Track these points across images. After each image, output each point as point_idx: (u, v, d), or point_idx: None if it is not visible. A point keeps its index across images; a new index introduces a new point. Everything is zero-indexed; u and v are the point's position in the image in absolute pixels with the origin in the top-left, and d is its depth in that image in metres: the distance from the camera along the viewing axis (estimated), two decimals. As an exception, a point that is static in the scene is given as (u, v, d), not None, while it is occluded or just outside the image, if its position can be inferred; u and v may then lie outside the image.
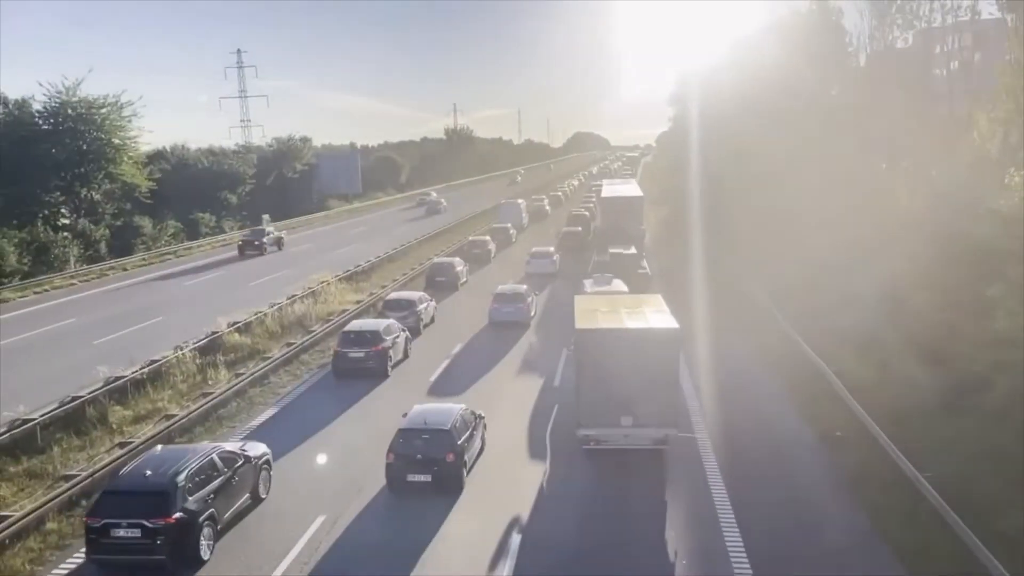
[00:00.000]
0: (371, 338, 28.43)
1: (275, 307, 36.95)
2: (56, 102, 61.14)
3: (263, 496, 18.59)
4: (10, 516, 16.95)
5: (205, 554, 15.85)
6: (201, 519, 15.79)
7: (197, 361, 28.96)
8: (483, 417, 21.76)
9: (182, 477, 15.77)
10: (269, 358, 29.73)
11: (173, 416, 23.39)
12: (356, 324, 30.42)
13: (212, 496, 16.33)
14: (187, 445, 19.90)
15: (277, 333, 34.24)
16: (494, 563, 15.82)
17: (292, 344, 31.76)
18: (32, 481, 19.69)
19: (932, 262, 29.03)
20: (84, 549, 15.73)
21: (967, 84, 47.16)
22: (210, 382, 27.28)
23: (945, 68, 51.07)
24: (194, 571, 15.62)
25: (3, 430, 21.55)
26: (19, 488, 19.31)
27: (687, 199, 61.10)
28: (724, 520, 17.23)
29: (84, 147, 61.01)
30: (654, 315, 22.41)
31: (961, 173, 34.77)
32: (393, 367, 29.00)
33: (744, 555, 15.80)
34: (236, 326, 33.30)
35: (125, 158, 64.22)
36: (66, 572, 15.81)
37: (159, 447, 18.30)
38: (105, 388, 25.14)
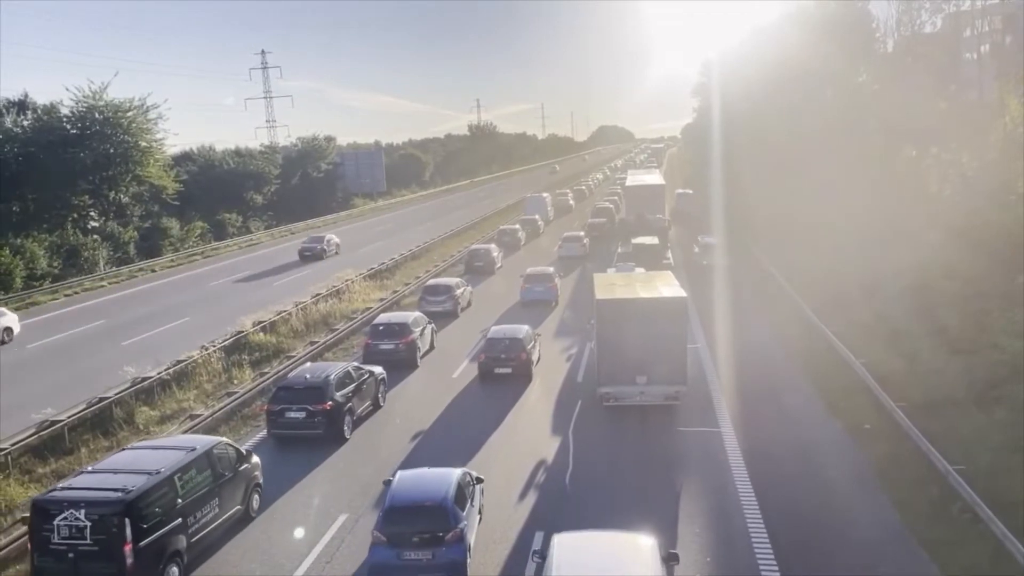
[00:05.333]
0: (399, 330, 29.12)
1: (299, 306, 37.15)
2: (83, 106, 61.83)
3: (382, 404, 24.72)
4: (37, 517, 17.13)
5: (347, 434, 22.12)
6: (344, 408, 22.05)
7: (222, 361, 29.20)
8: (540, 335, 29.82)
9: (332, 378, 22.14)
10: (293, 357, 29.89)
11: (198, 415, 23.59)
12: (385, 317, 31.24)
13: (350, 395, 22.55)
14: (330, 362, 26.80)
15: (301, 331, 34.45)
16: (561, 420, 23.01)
17: (316, 342, 31.91)
18: (59, 482, 19.86)
19: (960, 250, 28.49)
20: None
21: (998, 68, 46.22)
22: (235, 381, 27.50)
23: (975, 52, 50.09)
24: (340, 445, 21.63)
25: (32, 432, 21.83)
26: (47, 489, 19.50)
27: (711, 189, 60.75)
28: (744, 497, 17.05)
29: (111, 150, 61.68)
30: (664, 287, 24.67)
31: (991, 158, 34.10)
32: (421, 358, 29.67)
33: (772, 559, 15.57)
34: (261, 325, 33.53)
35: (152, 160, 64.82)
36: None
37: (309, 363, 25.83)
38: (132, 389, 25.43)
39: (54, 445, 21.90)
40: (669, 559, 12.89)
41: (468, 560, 14.78)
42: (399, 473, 15.82)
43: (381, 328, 29.38)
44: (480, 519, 16.46)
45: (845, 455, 20.11)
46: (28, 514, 17.35)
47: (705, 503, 17.78)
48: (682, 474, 19.34)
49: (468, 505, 15.37)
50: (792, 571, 14.92)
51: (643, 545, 12.37)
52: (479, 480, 16.77)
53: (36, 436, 21.67)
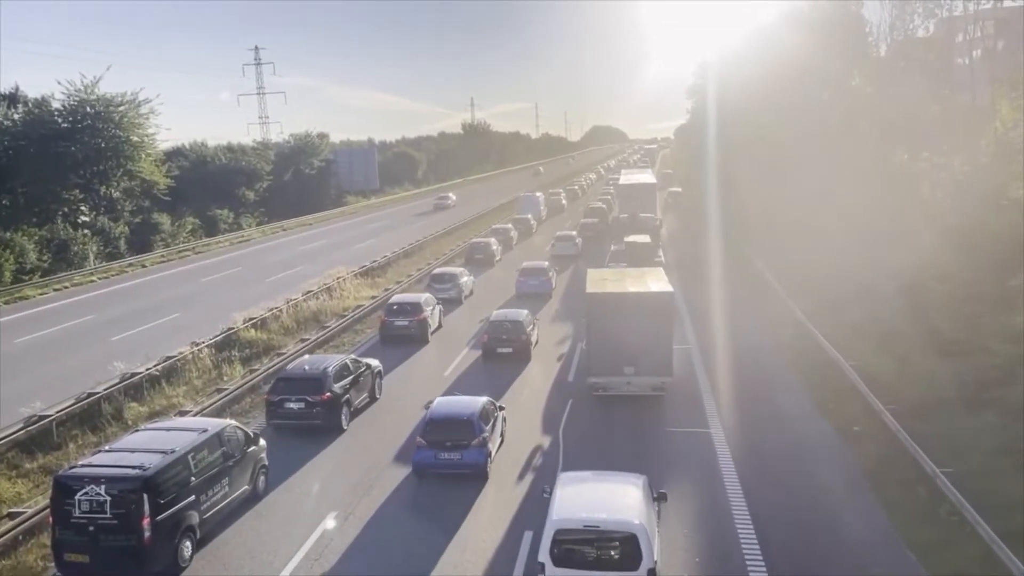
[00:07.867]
0: (412, 309, 32.36)
1: (291, 303, 37.02)
2: (75, 100, 61.56)
3: (378, 396, 25.25)
4: (23, 512, 17.05)
5: (345, 425, 22.63)
6: (342, 400, 22.50)
7: (212, 357, 29.06)
8: (539, 319, 32.25)
9: (330, 369, 22.65)
10: (284, 354, 29.77)
11: (187, 412, 23.45)
12: (399, 297, 34.54)
13: (348, 386, 23.02)
14: (327, 354, 27.87)
15: (293, 329, 34.33)
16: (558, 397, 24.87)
17: (307, 339, 31.81)
18: (47, 477, 19.71)
19: (952, 253, 28.57)
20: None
21: (990, 72, 46.37)
22: (225, 378, 27.37)
23: (967, 56, 50.25)
24: (338, 436, 22.12)
25: (20, 426, 21.68)
26: (34, 484, 19.44)
27: (704, 190, 60.91)
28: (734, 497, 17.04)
29: (103, 145, 61.38)
30: (653, 282, 25.61)
31: (983, 162, 34.22)
32: (432, 334, 32.68)
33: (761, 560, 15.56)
34: (252, 322, 33.39)
35: (143, 155, 64.59)
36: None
37: (307, 356, 26.63)
38: (121, 384, 25.29)
39: (42, 440, 21.74)
40: (659, 498, 15.05)
41: (489, 463, 18.92)
42: (438, 398, 20.82)
43: (395, 307, 32.56)
44: (502, 441, 20.64)
45: (835, 456, 20.11)
46: (14, 509, 17.39)
47: (694, 504, 17.76)
48: (671, 475, 19.31)
49: (491, 423, 19.61)
50: (780, 572, 14.92)
51: (635, 481, 14.59)
52: (501, 408, 21.20)
53: (23, 431, 21.51)
